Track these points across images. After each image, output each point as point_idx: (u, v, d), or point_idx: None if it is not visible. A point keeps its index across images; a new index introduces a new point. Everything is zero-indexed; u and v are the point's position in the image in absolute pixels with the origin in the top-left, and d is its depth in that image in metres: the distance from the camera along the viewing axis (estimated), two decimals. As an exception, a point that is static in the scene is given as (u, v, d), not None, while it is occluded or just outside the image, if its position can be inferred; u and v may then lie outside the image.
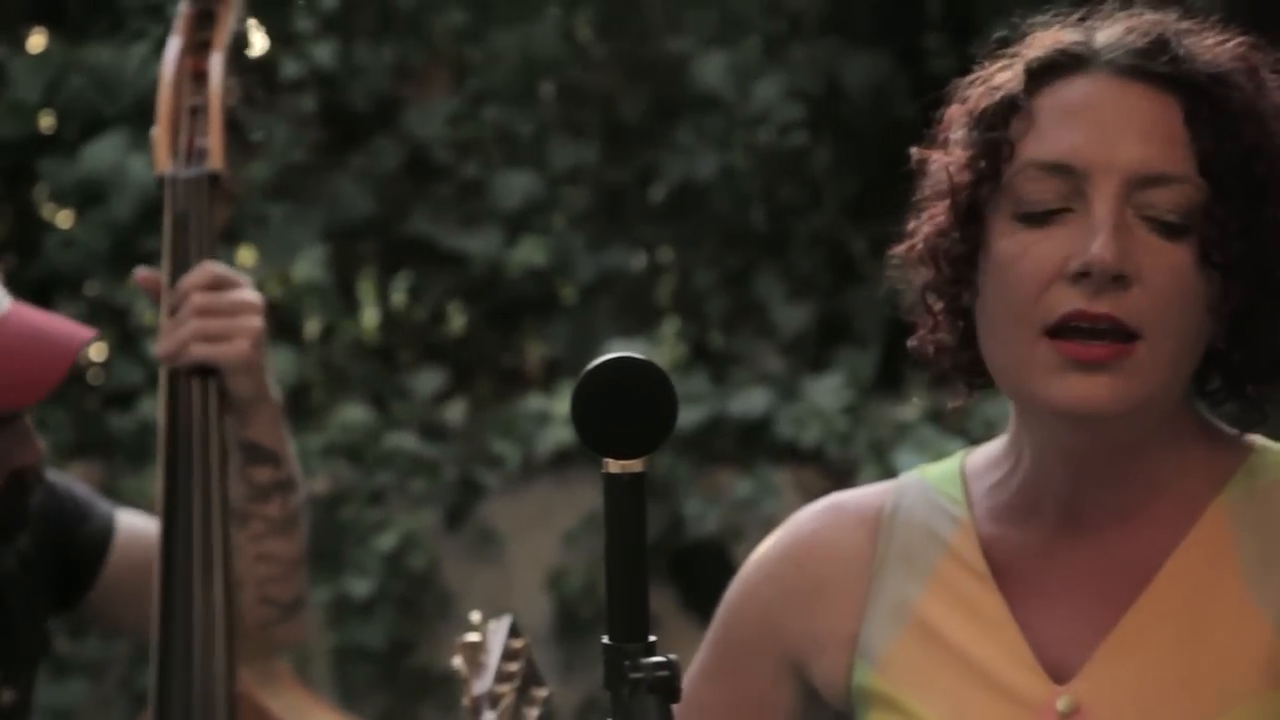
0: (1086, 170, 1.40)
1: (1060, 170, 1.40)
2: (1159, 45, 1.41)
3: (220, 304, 1.92)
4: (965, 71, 1.50)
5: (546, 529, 4.15)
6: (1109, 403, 1.40)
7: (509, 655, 1.73)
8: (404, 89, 4.56)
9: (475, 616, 1.79)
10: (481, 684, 1.70)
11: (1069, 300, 1.39)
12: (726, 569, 1.66)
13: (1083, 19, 1.48)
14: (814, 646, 1.54)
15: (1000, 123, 1.43)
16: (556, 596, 4.13)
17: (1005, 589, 1.48)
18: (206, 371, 1.92)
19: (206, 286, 1.93)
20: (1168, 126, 1.40)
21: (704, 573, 4.02)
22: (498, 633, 1.76)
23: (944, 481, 1.54)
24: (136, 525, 2.02)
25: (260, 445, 1.95)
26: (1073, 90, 1.42)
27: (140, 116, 4.29)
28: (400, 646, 4.05)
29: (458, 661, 1.75)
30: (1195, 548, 1.45)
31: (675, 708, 1.56)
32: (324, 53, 4.45)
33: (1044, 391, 1.41)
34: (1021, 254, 1.42)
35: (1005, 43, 1.50)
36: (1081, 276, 1.39)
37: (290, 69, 4.40)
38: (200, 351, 1.91)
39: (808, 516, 1.57)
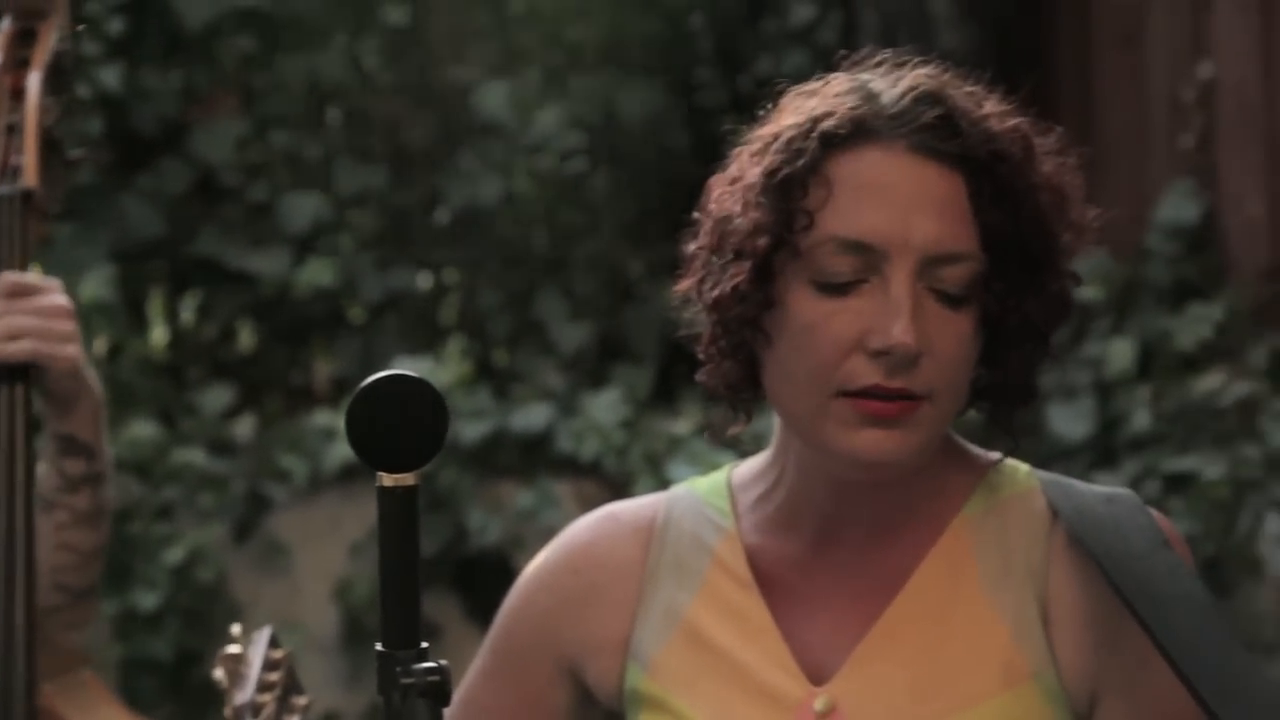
0: (885, 250, 1.43)
1: (859, 248, 1.43)
2: (947, 121, 1.44)
3: (31, 307, 1.87)
4: (735, 104, 1.51)
5: (333, 541, 4.11)
6: (896, 454, 1.44)
7: (269, 665, 1.71)
8: (192, 113, 4.49)
9: (235, 629, 1.77)
10: (243, 694, 1.68)
11: (867, 374, 1.43)
12: (509, 578, 1.66)
13: (856, 62, 1.50)
14: (588, 650, 1.56)
15: (800, 191, 1.44)
16: (343, 606, 4.10)
17: (768, 597, 1.51)
18: (16, 373, 1.86)
19: (7, 293, 1.87)
20: (957, 205, 1.44)
21: (487, 582, 4.01)
22: (258, 644, 1.74)
23: (712, 494, 1.56)
24: None
25: (76, 438, 1.92)
26: (868, 164, 1.44)
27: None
28: (187, 658, 4.00)
29: (219, 673, 1.73)
30: (939, 560, 1.49)
31: (455, 708, 1.57)
32: (110, 76, 4.37)
33: (838, 442, 1.45)
34: (821, 323, 1.44)
35: (777, 85, 1.51)
36: (880, 354, 1.42)
37: (77, 91, 4.31)
38: (12, 350, 1.86)
39: (583, 526, 1.59)
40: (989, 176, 1.44)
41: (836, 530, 1.51)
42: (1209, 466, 3.57)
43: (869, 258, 1.43)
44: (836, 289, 1.44)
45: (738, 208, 1.47)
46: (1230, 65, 3.96)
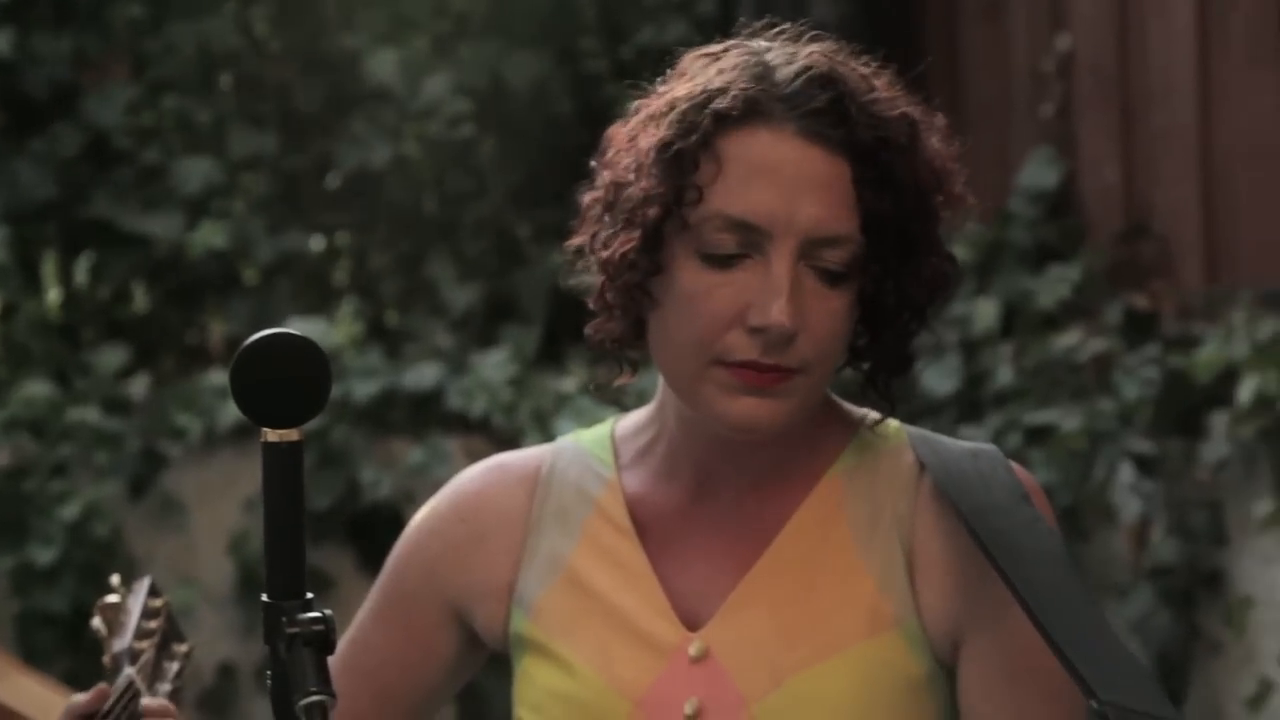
0: (769, 230, 1.44)
1: (744, 227, 1.44)
2: (837, 105, 1.45)
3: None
4: (617, 72, 1.51)
5: (228, 497, 4.09)
6: (770, 421, 1.46)
7: (148, 614, 1.70)
8: (83, 78, 4.42)
9: (114, 579, 1.75)
10: (121, 642, 1.67)
11: (744, 349, 1.45)
12: (400, 531, 1.66)
13: (755, 32, 1.50)
14: (475, 595, 1.56)
15: (691, 165, 1.45)
16: (238, 560, 4.07)
17: (647, 545, 1.53)
18: None
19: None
20: (840, 188, 1.45)
21: (379, 535, 4.00)
22: (137, 593, 1.72)
23: (595, 445, 1.57)
24: None
25: None
26: (758, 145, 1.45)
27: None
28: (83, 611, 3.94)
29: (97, 622, 1.71)
30: (811, 512, 1.51)
31: (345, 648, 1.57)
32: (2, 41, 4.28)
33: (714, 407, 1.47)
34: (704, 294, 1.45)
35: (668, 57, 1.52)
36: (758, 330, 1.44)
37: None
38: None
39: (471, 475, 1.60)
40: (873, 162, 1.45)
41: (714, 482, 1.52)
42: (1067, 419, 3.62)
43: (753, 236, 1.44)
44: (721, 262, 1.45)
45: (631, 175, 1.48)
46: (1087, 38, 4.00)
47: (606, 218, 1.49)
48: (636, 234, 1.46)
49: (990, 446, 1.52)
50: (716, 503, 1.52)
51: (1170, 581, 3.47)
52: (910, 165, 1.46)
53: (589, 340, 1.52)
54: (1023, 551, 1.43)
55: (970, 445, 1.51)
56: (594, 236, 1.50)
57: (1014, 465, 1.50)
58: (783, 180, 1.43)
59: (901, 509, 1.49)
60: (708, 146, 1.44)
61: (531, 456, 1.58)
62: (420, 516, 1.60)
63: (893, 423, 1.54)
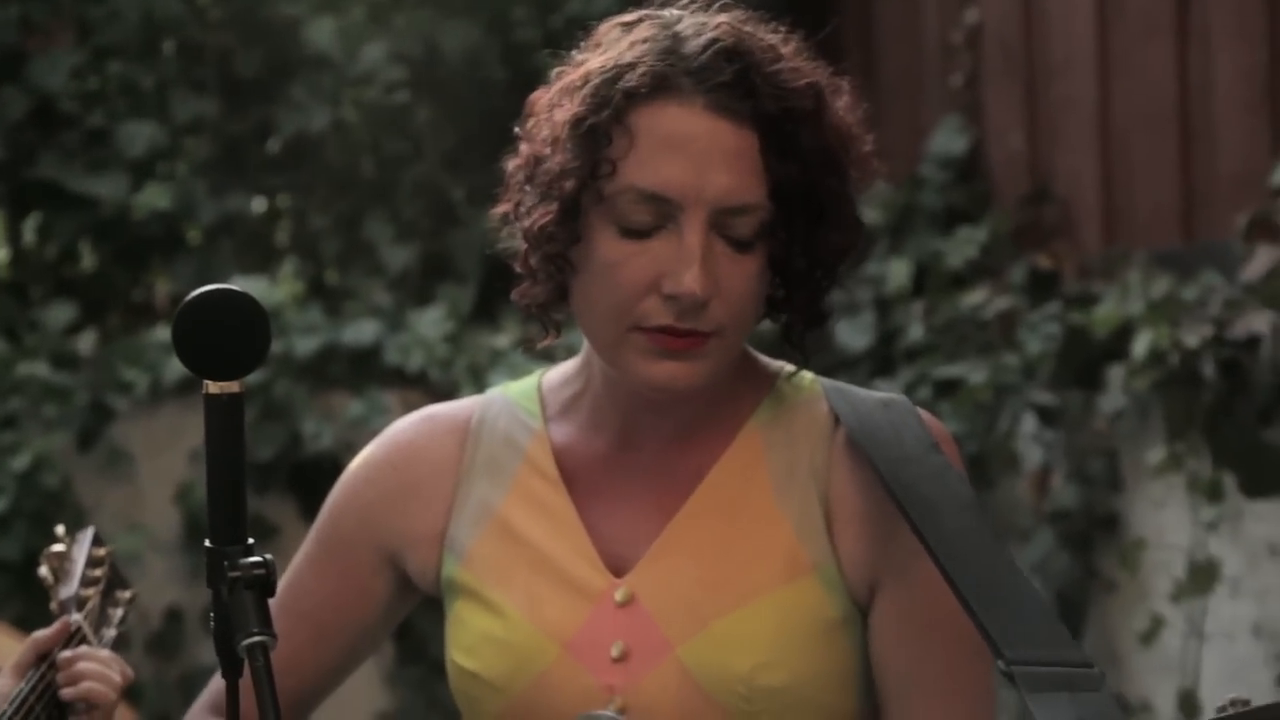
0: (680, 201, 1.44)
1: (657, 199, 1.44)
2: (744, 78, 1.45)
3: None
4: (547, 40, 1.50)
5: (174, 448, 4.06)
6: (687, 382, 1.46)
7: (93, 562, 1.69)
8: (30, 43, 4.36)
9: (59, 529, 1.74)
10: (67, 589, 1.66)
11: (660, 315, 1.45)
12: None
13: (665, 3, 1.50)
14: (408, 541, 1.56)
15: (604, 139, 1.45)
16: (184, 509, 4.06)
17: (574, 494, 1.52)
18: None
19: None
20: (748, 159, 1.44)
21: (321, 484, 3.92)
22: (82, 542, 1.71)
23: (523, 397, 1.57)
24: None
25: None
26: (668, 119, 1.45)
27: None
28: (34, 558, 3.90)
29: (44, 570, 1.70)
30: (731, 462, 1.51)
31: (282, 592, 1.57)
32: (-51, 9, 4.23)
33: (635, 370, 1.47)
34: (621, 263, 1.45)
35: (586, 27, 1.51)
36: (672, 298, 1.44)
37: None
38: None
39: (404, 426, 1.59)
40: (780, 132, 1.45)
41: (638, 434, 1.52)
42: (974, 373, 3.64)
43: (665, 208, 1.44)
44: (636, 233, 1.45)
45: (548, 149, 1.47)
46: (994, 11, 4.02)
47: (528, 187, 1.49)
48: (554, 206, 1.46)
49: (901, 397, 1.52)
50: (640, 453, 1.51)
51: (1069, 525, 3.51)
52: (816, 132, 1.45)
53: (516, 303, 1.52)
54: (933, 500, 1.43)
55: (882, 396, 1.52)
56: (517, 205, 1.50)
57: (924, 414, 1.51)
58: (692, 153, 1.43)
59: (818, 460, 1.49)
60: (619, 121, 1.44)
61: (462, 408, 1.58)
62: (354, 465, 1.59)
63: (808, 375, 1.55)
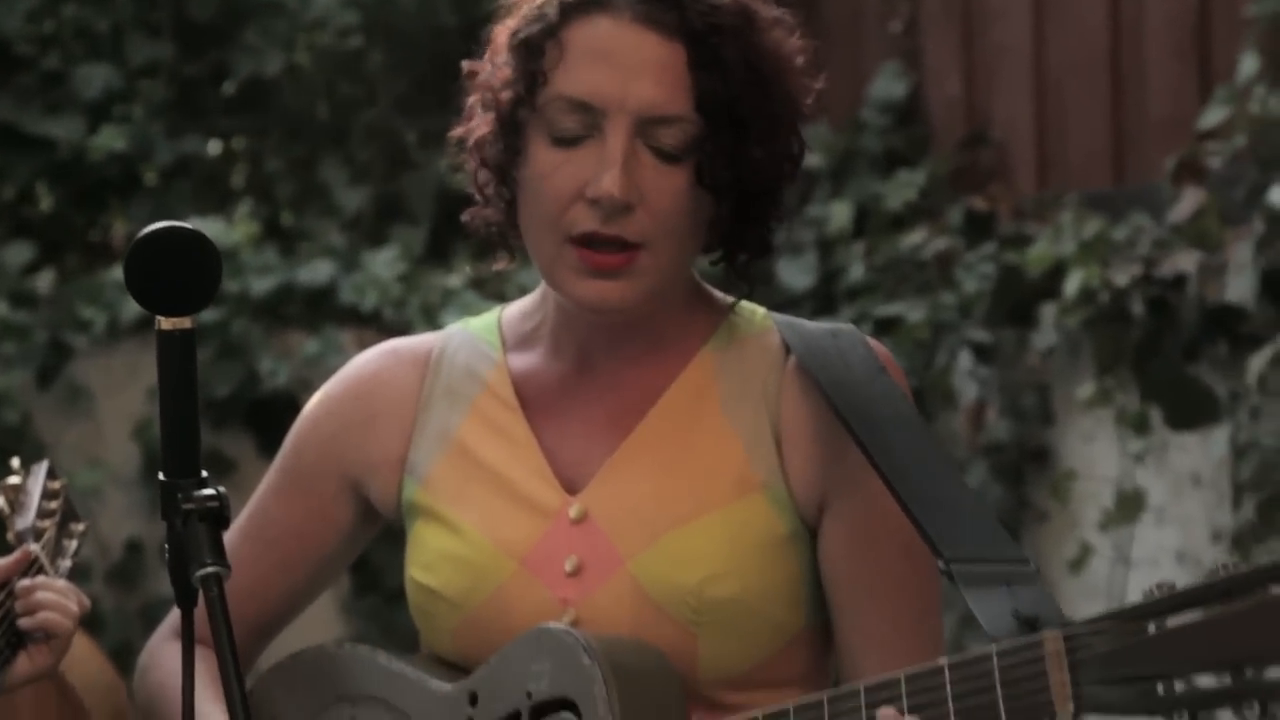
0: (605, 109, 1.45)
1: (583, 107, 1.45)
2: None
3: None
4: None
5: (133, 385, 4.04)
6: (619, 302, 1.47)
7: (48, 495, 1.68)
8: (-15, -13, 4.30)
9: (15, 463, 1.74)
10: (24, 520, 1.66)
11: (586, 221, 1.45)
12: (297, 416, 1.65)
13: None
14: (369, 468, 1.56)
15: (538, 52, 1.46)
16: (143, 445, 4.04)
17: (531, 418, 1.53)
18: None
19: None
20: (674, 71, 1.45)
21: (278, 421, 3.96)
22: (37, 475, 1.71)
23: (484, 330, 1.57)
24: None
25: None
26: (597, 31, 1.46)
27: None
28: (-5, 493, 3.88)
29: (0, 502, 1.69)
30: (685, 385, 1.51)
31: (246, 520, 1.56)
32: (-98, -48, 4.15)
33: (568, 288, 1.48)
34: (551, 172, 1.46)
35: None
36: (595, 202, 1.44)
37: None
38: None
39: (366, 358, 1.60)
40: (705, 45, 1.45)
41: (594, 360, 1.52)
42: (912, 311, 3.65)
43: (592, 116, 1.45)
44: (566, 142, 1.46)
45: (490, 65, 1.49)
46: (933, -41, 4.00)
47: (479, 110, 1.50)
48: (492, 117, 1.48)
49: (849, 326, 1.53)
50: (596, 378, 1.52)
51: (1003, 458, 3.53)
52: (742, 50, 1.45)
53: (467, 226, 1.52)
54: (880, 420, 1.44)
55: (830, 325, 1.53)
56: (468, 128, 1.51)
57: (870, 341, 1.52)
58: (618, 63, 1.44)
59: (769, 385, 1.50)
60: (553, 35, 1.45)
61: (423, 341, 1.58)
62: (317, 397, 1.60)
63: (759, 310, 1.55)
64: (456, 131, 1.51)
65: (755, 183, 1.47)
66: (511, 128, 1.47)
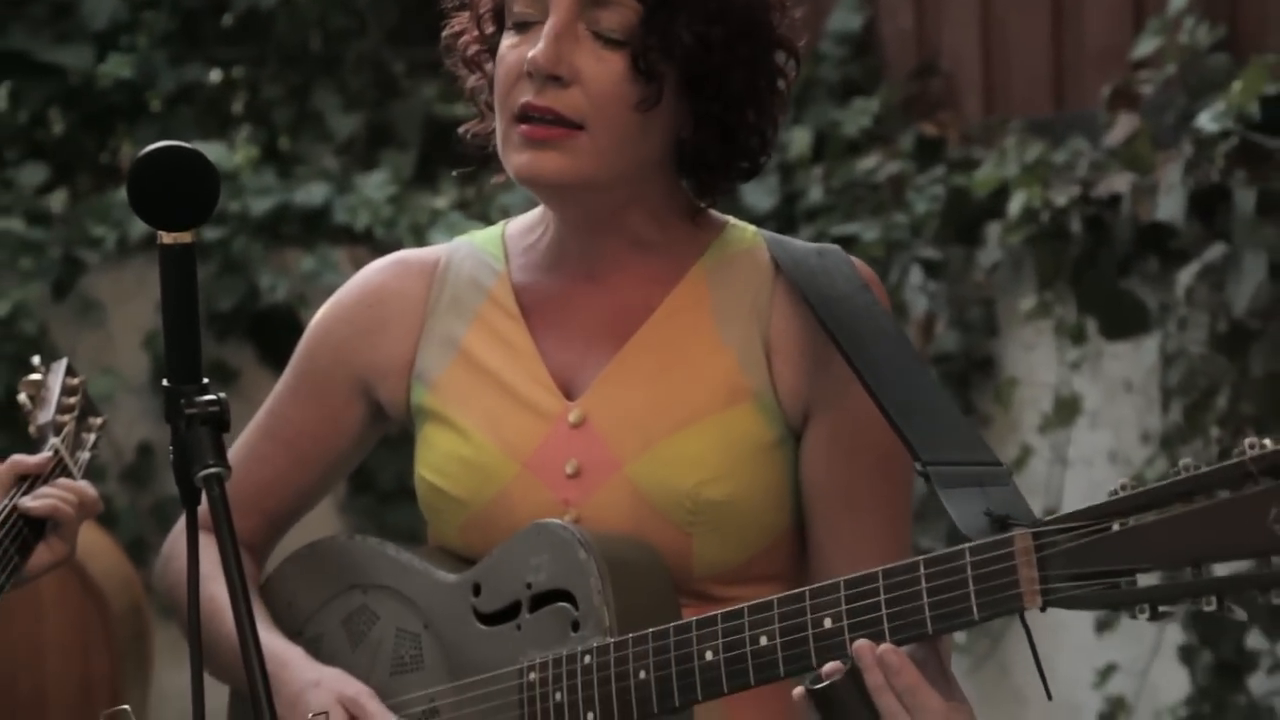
0: None
1: None
2: None
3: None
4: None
5: (142, 298, 4.01)
6: (552, 175, 1.43)
7: (67, 391, 1.67)
8: (-2, -77, 4.22)
9: (35, 360, 1.72)
10: (45, 414, 1.65)
11: (524, 93, 1.43)
12: (295, 329, 1.61)
13: None
14: (379, 372, 1.54)
15: None
16: (152, 354, 4.01)
17: (532, 327, 1.50)
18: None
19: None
20: None
21: (276, 333, 3.97)
22: (56, 372, 1.69)
23: (488, 243, 1.55)
24: None
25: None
26: None
27: None
28: (14, 397, 3.86)
29: (22, 397, 1.68)
30: (679, 298, 1.49)
31: (262, 420, 1.55)
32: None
33: (509, 162, 1.45)
34: (506, 54, 1.45)
35: None
36: (530, 75, 1.42)
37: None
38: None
39: (376, 268, 1.57)
40: None
41: (591, 272, 1.50)
42: (867, 231, 3.64)
43: (542, 1, 1.43)
44: (520, 28, 1.45)
45: None
46: (890, -102, 3.94)
47: (463, 15, 1.50)
48: (471, 15, 1.47)
49: (834, 246, 1.51)
50: (594, 290, 1.49)
51: (951, 366, 3.52)
52: None
53: (462, 141, 1.49)
54: (862, 332, 1.42)
55: (816, 245, 1.51)
56: (453, 31, 1.50)
57: (854, 260, 1.50)
58: None
59: (760, 300, 1.47)
60: None
61: (430, 253, 1.56)
62: (329, 304, 1.57)
63: (750, 228, 1.52)
64: (445, 34, 1.49)
65: (706, 86, 1.42)
66: (486, 25, 1.46)
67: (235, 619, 1.15)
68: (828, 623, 1.30)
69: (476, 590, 1.44)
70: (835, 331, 1.42)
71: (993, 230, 3.43)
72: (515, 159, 1.43)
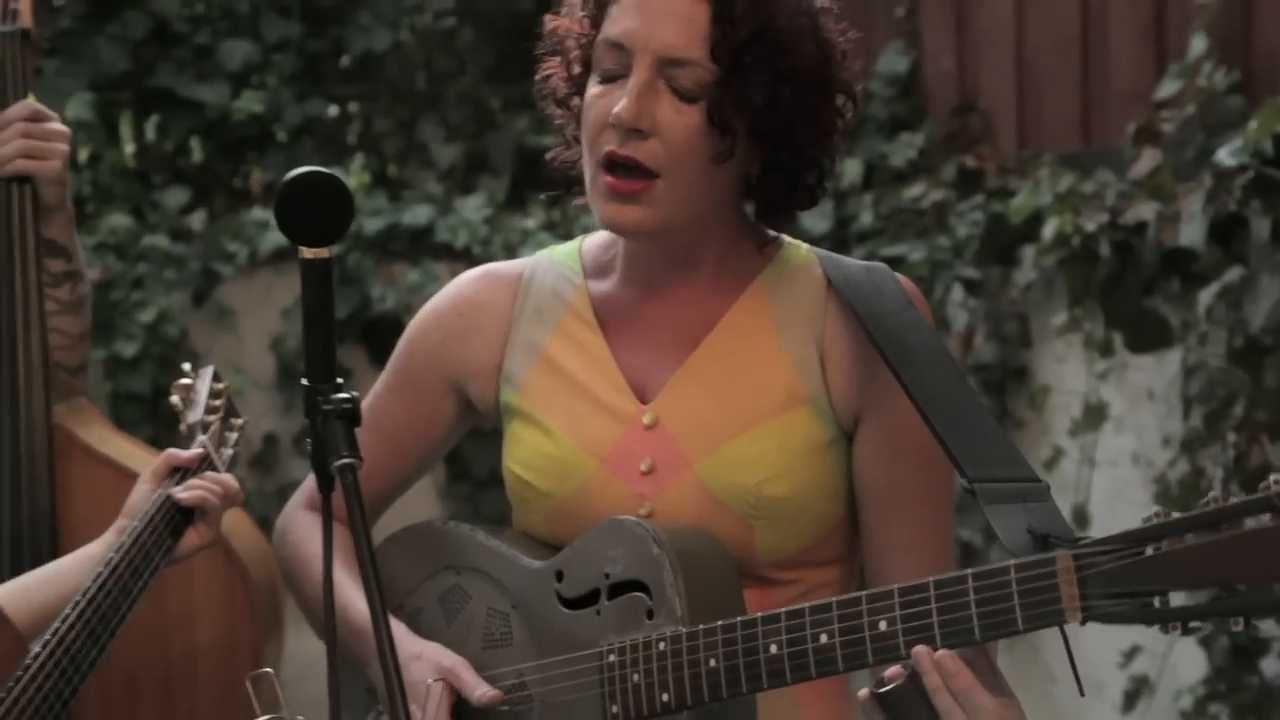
0: (631, 48, 1.42)
1: (618, 47, 1.42)
2: None
3: (38, 130, 1.76)
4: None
5: (269, 307, 4.06)
6: (635, 225, 1.43)
7: (213, 394, 1.68)
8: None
9: (186, 366, 1.73)
10: (194, 414, 1.67)
11: (609, 142, 1.43)
12: (402, 334, 1.63)
13: None
14: (470, 373, 1.54)
15: (599, 6, 1.45)
16: (278, 356, 4.06)
17: (608, 335, 1.50)
18: (23, 180, 1.75)
19: (27, 117, 1.74)
20: (696, 23, 1.41)
21: (385, 337, 4.01)
22: (204, 378, 1.71)
23: (567, 257, 1.54)
24: None
25: (56, 242, 1.81)
26: None
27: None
28: (160, 392, 3.97)
29: (175, 399, 1.70)
30: (741, 309, 1.48)
31: (365, 413, 1.55)
32: (81, -55, 4.14)
33: (597, 210, 1.45)
34: (594, 103, 1.44)
35: None
36: (614, 126, 1.41)
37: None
38: (22, 165, 1.74)
39: (467, 279, 1.57)
40: (725, 3, 1.41)
41: (662, 287, 1.49)
42: (913, 252, 3.63)
43: (624, 56, 1.43)
44: (607, 79, 1.44)
45: (565, 18, 1.48)
46: (935, -46, 3.92)
47: (555, 59, 1.49)
48: (563, 60, 1.47)
49: (881, 264, 1.49)
50: (663, 303, 1.48)
51: (988, 375, 3.50)
52: (757, 10, 1.40)
53: (550, 164, 1.49)
54: (908, 346, 1.41)
55: (865, 263, 1.49)
56: (546, 72, 1.50)
57: (900, 277, 1.48)
58: (649, 11, 1.41)
59: (815, 311, 1.46)
60: None
61: (515, 265, 1.55)
62: (425, 310, 1.57)
63: (803, 246, 1.51)
64: (539, 76, 1.49)
65: (775, 135, 1.41)
66: (577, 69, 1.45)
67: (368, 598, 1.16)
68: (883, 625, 1.29)
69: (559, 576, 1.44)
70: (883, 344, 1.40)
71: (1027, 253, 3.40)
72: (602, 208, 1.43)
